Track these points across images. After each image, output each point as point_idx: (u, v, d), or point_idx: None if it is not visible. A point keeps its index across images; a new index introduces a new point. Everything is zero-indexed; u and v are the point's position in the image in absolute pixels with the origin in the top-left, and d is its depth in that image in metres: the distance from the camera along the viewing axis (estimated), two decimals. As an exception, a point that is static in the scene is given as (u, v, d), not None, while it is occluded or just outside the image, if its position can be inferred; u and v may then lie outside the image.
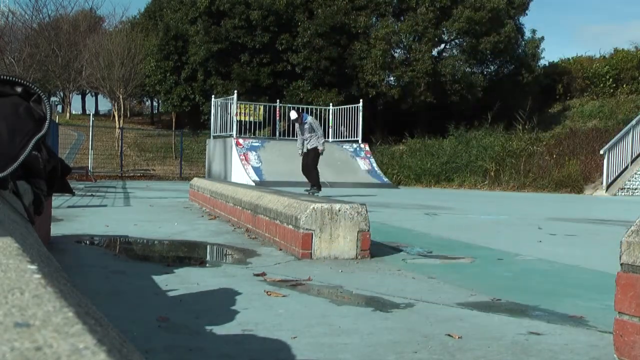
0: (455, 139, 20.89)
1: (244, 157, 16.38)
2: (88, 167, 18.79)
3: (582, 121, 22.49)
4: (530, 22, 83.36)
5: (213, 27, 24.93)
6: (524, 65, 24.49)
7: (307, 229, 3.65)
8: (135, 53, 29.00)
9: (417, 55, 23.09)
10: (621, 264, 1.71)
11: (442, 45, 25.57)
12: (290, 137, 18.32)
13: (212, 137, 18.87)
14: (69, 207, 7.20)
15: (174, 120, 29.73)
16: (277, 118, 19.09)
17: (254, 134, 18.16)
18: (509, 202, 11.12)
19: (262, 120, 18.78)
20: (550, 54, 70.71)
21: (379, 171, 17.61)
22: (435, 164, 19.33)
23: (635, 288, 1.66)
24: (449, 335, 2.03)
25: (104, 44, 29.94)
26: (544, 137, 20.28)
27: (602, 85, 24.71)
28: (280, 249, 3.99)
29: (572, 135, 19.72)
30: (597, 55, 26.90)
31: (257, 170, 16.02)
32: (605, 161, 16.01)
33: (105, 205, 7.85)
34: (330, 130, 18.84)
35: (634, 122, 17.24)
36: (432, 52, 24.33)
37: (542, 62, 26.21)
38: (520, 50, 25.11)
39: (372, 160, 17.96)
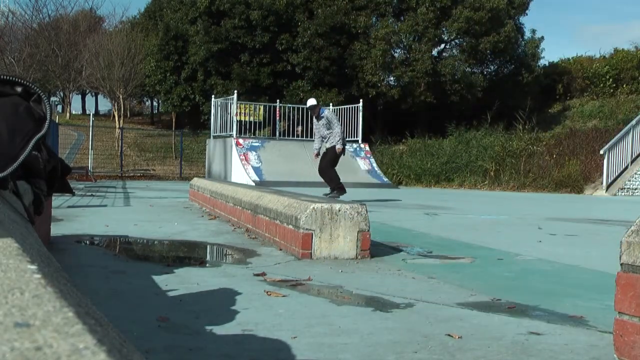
0: (455, 139, 20.89)
1: (244, 157, 16.38)
2: (88, 167, 18.78)
3: (582, 121, 22.49)
4: (530, 22, 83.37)
5: (213, 27, 24.93)
6: (524, 65, 24.49)
7: (307, 229, 3.65)
8: (135, 53, 28.99)
9: (417, 55, 23.09)
10: (621, 264, 1.71)
11: (442, 45, 25.58)
12: (291, 137, 18.33)
13: (212, 137, 18.87)
14: (69, 207, 7.20)
15: (174, 120, 29.73)
16: (277, 118, 19.08)
17: (254, 134, 18.16)
18: (509, 202, 11.12)
19: (262, 120, 18.78)
20: (550, 54, 70.71)
21: (379, 171, 17.61)
22: (435, 164, 19.33)
23: (635, 288, 1.66)
24: (449, 335, 2.03)
25: (104, 44, 29.93)
26: (544, 137, 20.28)
27: (602, 85, 24.71)
28: (280, 249, 3.99)
29: (572, 135, 19.72)
30: (597, 55, 26.91)
31: (257, 170, 16.02)
32: (605, 161, 16.01)
33: (105, 205, 7.85)
34: (330, 130, 18.81)
35: (634, 122, 17.24)
36: (432, 52, 24.32)
37: (542, 62, 26.22)
38: (520, 50, 25.11)
39: (372, 160, 17.96)
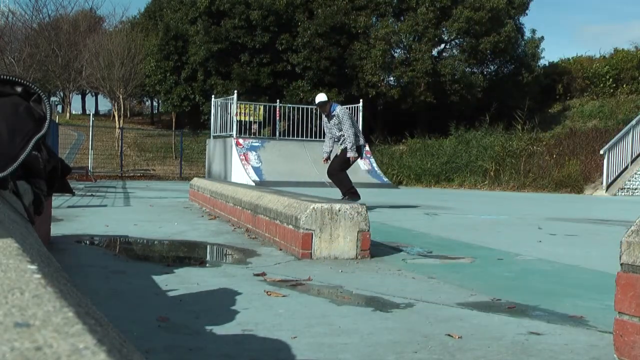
0: (455, 139, 20.89)
1: (244, 157, 16.38)
2: (88, 167, 18.78)
3: (582, 121, 22.49)
4: (530, 22, 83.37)
5: (213, 27, 24.93)
6: (524, 65, 24.49)
7: (307, 229, 3.65)
8: (135, 53, 29.00)
9: (417, 55, 23.09)
10: (621, 264, 1.71)
11: (442, 45, 25.58)
12: (291, 137, 18.33)
13: (212, 137, 18.87)
14: (69, 207, 7.20)
15: (174, 120, 29.74)
16: (277, 118, 19.08)
17: (254, 134, 18.16)
18: (509, 202, 11.12)
19: (262, 120, 18.78)
20: (550, 54, 70.72)
21: (379, 171, 17.61)
22: (435, 164, 19.33)
23: (635, 288, 1.66)
24: (449, 335, 2.03)
25: (104, 44, 29.93)
26: (544, 137, 20.28)
27: (602, 85, 24.71)
28: (280, 249, 3.99)
29: (572, 135, 19.72)
30: (597, 55, 26.92)
31: (257, 170, 16.02)
32: (605, 161, 16.01)
33: (105, 205, 7.85)
34: (330, 130, 18.82)
35: (634, 122, 17.24)
36: (432, 52, 24.33)
37: (542, 62, 26.23)
38: (520, 50, 25.11)
39: (372, 160, 17.96)
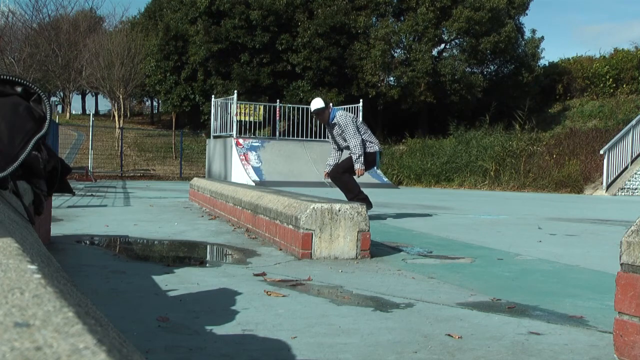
0: (455, 139, 20.90)
1: (244, 157, 16.38)
2: (88, 167, 18.78)
3: (582, 121, 22.50)
4: (530, 22, 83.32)
5: (213, 27, 24.93)
6: (524, 65, 24.49)
7: (307, 229, 3.65)
8: (135, 53, 28.99)
9: (417, 55, 23.08)
10: (621, 264, 1.71)
11: (442, 45, 25.58)
12: (291, 137, 18.33)
13: (212, 137, 18.88)
14: (69, 207, 7.20)
15: (174, 120, 29.73)
16: (277, 118, 19.09)
17: (254, 134, 18.17)
18: (509, 202, 11.12)
19: (262, 120, 18.78)
20: (550, 54, 70.83)
21: (379, 171, 17.60)
22: (435, 164, 19.33)
23: (635, 288, 1.66)
24: (449, 335, 2.03)
25: (104, 44, 29.93)
26: (544, 137, 20.28)
27: (602, 85, 24.71)
28: (280, 249, 3.99)
29: (572, 135, 19.72)
30: (597, 55, 26.90)
31: (257, 170, 16.03)
32: (605, 161, 16.01)
33: (105, 205, 7.85)
34: (330, 130, 18.83)
35: (634, 122, 17.24)
36: (432, 52, 24.33)
37: (542, 62, 26.22)
38: (520, 50, 25.12)
39: (372, 160, 17.95)
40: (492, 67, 25.94)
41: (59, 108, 40.15)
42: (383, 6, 24.49)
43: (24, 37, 34.71)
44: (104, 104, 53.46)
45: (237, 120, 17.39)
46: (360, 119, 18.12)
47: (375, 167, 6.78)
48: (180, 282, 2.85)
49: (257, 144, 17.15)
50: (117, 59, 28.54)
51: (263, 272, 3.16)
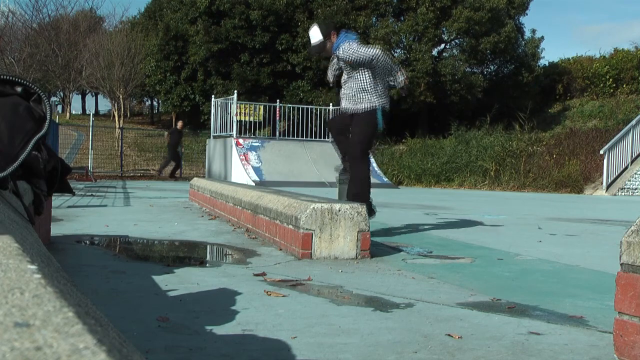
0: (455, 139, 20.90)
1: (244, 157, 16.38)
2: (88, 167, 18.78)
3: (582, 121, 22.50)
4: (530, 22, 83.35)
5: (213, 27, 24.94)
6: (524, 65, 24.50)
7: (307, 229, 3.65)
8: (135, 53, 29.01)
9: (417, 55, 23.09)
10: (621, 264, 1.71)
11: (442, 45, 25.59)
12: (291, 137, 18.33)
13: (212, 137, 18.88)
14: (69, 207, 7.20)
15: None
16: (277, 118, 19.09)
17: (254, 134, 18.17)
18: (509, 202, 11.12)
19: (262, 120, 18.79)
20: (550, 54, 70.87)
21: (379, 171, 17.61)
22: (435, 164, 19.33)
23: (635, 288, 1.66)
24: (449, 335, 2.03)
25: (104, 44, 29.95)
26: (544, 137, 20.28)
27: (602, 85, 24.71)
28: (280, 249, 3.99)
29: (572, 135, 19.72)
30: (597, 55, 26.90)
31: (257, 170, 16.02)
32: (605, 161, 16.01)
33: (105, 205, 7.85)
34: (330, 130, 18.82)
35: (634, 122, 17.24)
36: (432, 52, 24.33)
37: (542, 62, 26.23)
38: (520, 50, 25.12)
39: (372, 160, 17.97)
40: (492, 67, 25.95)
41: (59, 108, 40.16)
42: (383, 6, 24.49)
43: (24, 37, 34.72)
44: (104, 104, 53.44)
45: (237, 120, 17.39)
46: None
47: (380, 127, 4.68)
48: (180, 282, 2.85)
49: (257, 144, 17.15)
50: (117, 59, 28.56)
51: (263, 272, 3.16)
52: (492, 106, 21.88)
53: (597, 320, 2.28)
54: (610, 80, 24.53)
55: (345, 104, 4.71)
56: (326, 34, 4.65)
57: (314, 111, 18.74)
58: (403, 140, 23.19)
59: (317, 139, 18.17)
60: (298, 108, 18.83)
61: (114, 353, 0.53)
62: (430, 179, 19.08)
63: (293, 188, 10.46)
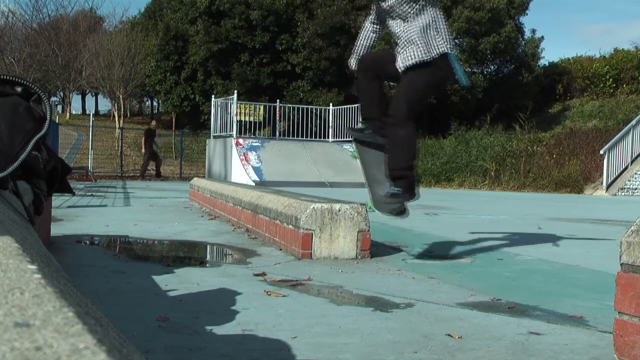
0: (455, 139, 20.90)
1: (244, 157, 16.38)
2: (88, 167, 18.78)
3: (582, 121, 22.49)
4: (530, 22, 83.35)
5: (213, 27, 24.94)
6: (524, 65, 24.50)
7: (307, 229, 3.65)
8: (135, 53, 29.01)
9: (417, 55, 23.07)
10: (621, 264, 1.71)
11: (442, 45, 25.56)
12: (291, 137, 18.33)
13: (212, 137, 18.88)
14: (69, 207, 7.20)
15: (174, 120, 29.75)
16: (277, 118, 19.09)
17: (254, 134, 18.17)
18: (509, 202, 11.12)
19: (262, 120, 18.79)
20: (550, 54, 70.89)
21: (379, 171, 17.59)
22: (435, 164, 19.34)
23: (635, 288, 1.66)
24: (449, 335, 2.03)
25: (104, 44, 29.95)
26: (544, 137, 20.28)
27: (602, 85, 24.71)
28: (280, 249, 3.99)
29: (572, 135, 19.72)
30: (597, 55, 26.89)
31: (257, 170, 16.02)
32: (605, 161, 16.01)
33: (105, 205, 7.85)
34: (330, 130, 18.85)
35: (634, 122, 17.24)
36: (432, 52, 24.31)
37: (542, 62, 26.22)
38: (520, 50, 25.12)
39: (372, 160, 17.94)
40: (492, 67, 25.95)
41: (59, 108, 40.17)
42: (383, 6, 24.49)
43: (24, 37, 34.73)
44: (104, 104, 53.41)
45: (237, 120, 17.39)
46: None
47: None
48: (180, 282, 2.85)
49: (257, 144, 17.15)
50: (117, 59, 28.56)
51: (263, 272, 3.16)
52: (492, 106, 21.88)
53: (597, 320, 2.28)
54: (610, 80, 24.53)
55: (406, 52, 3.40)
56: None
57: (314, 111, 18.74)
58: (403, 140, 23.16)
59: (317, 139, 18.17)
60: (298, 108, 18.83)
61: (114, 353, 0.53)
62: (430, 179, 19.08)
63: (293, 188, 10.46)
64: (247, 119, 18.16)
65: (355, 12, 24.27)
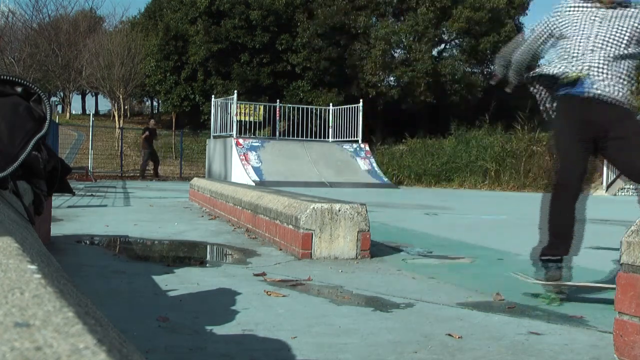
0: (455, 139, 20.90)
1: (244, 157, 16.38)
2: (88, 167, 18.77)
3: (582, 121, 22.48)
4: (530, 21, 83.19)
5: (213, 27, 24.94)
6: (524, 65, 24.50)
7: (307, 229, 3.65)
8: (135, 53, 28.99)
9: (417, 55, 23.10)
10: (621, 264, 1.71)
11: (442, 45, 25.61)
12: (291, 137, 18.32)
13: (212, 137, 18.88)
14: (69, 207, 7.20)
15: (174, 120, 29.73)
16: (277, 118, 19.09)
17: (254, 134, 18.16)
18: (509, 202, 11.12)
19: (262, 120, 18.78)
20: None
21: (379, 171, 17.60)
22: (435, 164, 19.33)
23: (635, 288, 1.66)
24: (449, 335, 2.03)
25: (104, 44, 29.93)
26: (544, 137, 20.28)
27: (602, 85, 24.69)
28: (280, 249, 3.99)
29: (572, 135, 19.70)
30: (597, 55, 26.86)
31: (257, 170, 16.02)
32: (605, 161, 16.00)
33: (105, 205, 7.85)
34: (330, 130, 18.85)
35: (634, 122, 17.23)
36: (432, 52, 24.34)
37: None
38: (520, 50, 25.12)
39: (372, 160, 17.95)
40: (492, 67, 25.96)
41: (59, 108, 40.14)
42: (383, 6, 24.50)
43: (24, 37, 34.71)
44: (104, 104, 53.35)
45: (237, 120, 17.39)
46: (361, 118, 18.12)
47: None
48: (180, 282, 2.85)
49: (257, 144, 17.14)
50: (117, 59, 28.54)
51: (263, 272, 3.15)
52: (492, 106, 21.88)
53: (597, 320, 2.27)
54: (610, 80, 24.51)
55: (601, 87, 2.80)
56: None
57: (314, 111, 18.74)
58: (403, 140, 23.19)
59: (317, 139, 18.17)
60: (298, 108, 18.83)
61: (114, 353, 0.53)
62: (430, 179, 19.08)
63: (293, 188, 10.46)
64: (247, 119, 18.15)
65: (355, 12, 24.27)
